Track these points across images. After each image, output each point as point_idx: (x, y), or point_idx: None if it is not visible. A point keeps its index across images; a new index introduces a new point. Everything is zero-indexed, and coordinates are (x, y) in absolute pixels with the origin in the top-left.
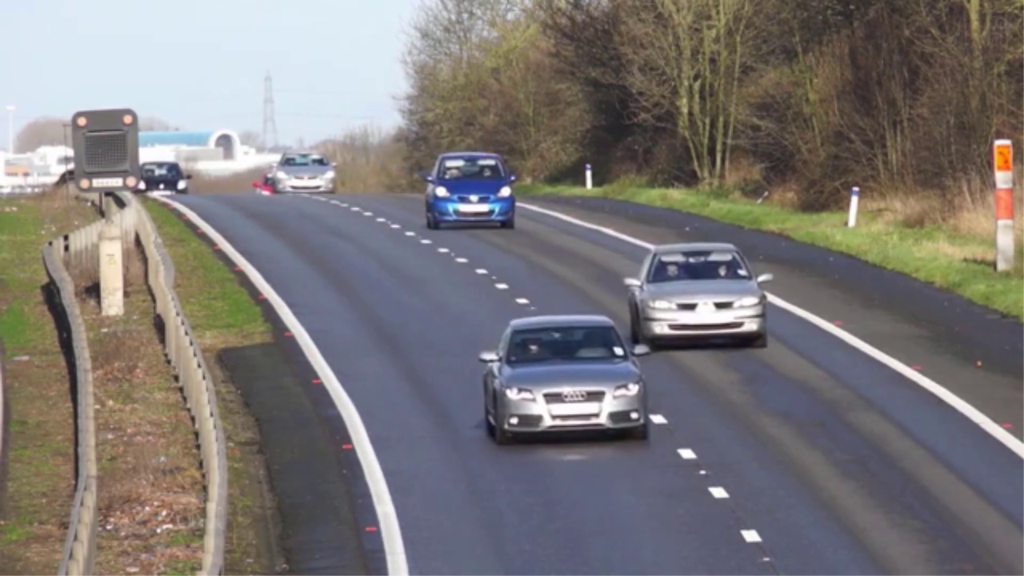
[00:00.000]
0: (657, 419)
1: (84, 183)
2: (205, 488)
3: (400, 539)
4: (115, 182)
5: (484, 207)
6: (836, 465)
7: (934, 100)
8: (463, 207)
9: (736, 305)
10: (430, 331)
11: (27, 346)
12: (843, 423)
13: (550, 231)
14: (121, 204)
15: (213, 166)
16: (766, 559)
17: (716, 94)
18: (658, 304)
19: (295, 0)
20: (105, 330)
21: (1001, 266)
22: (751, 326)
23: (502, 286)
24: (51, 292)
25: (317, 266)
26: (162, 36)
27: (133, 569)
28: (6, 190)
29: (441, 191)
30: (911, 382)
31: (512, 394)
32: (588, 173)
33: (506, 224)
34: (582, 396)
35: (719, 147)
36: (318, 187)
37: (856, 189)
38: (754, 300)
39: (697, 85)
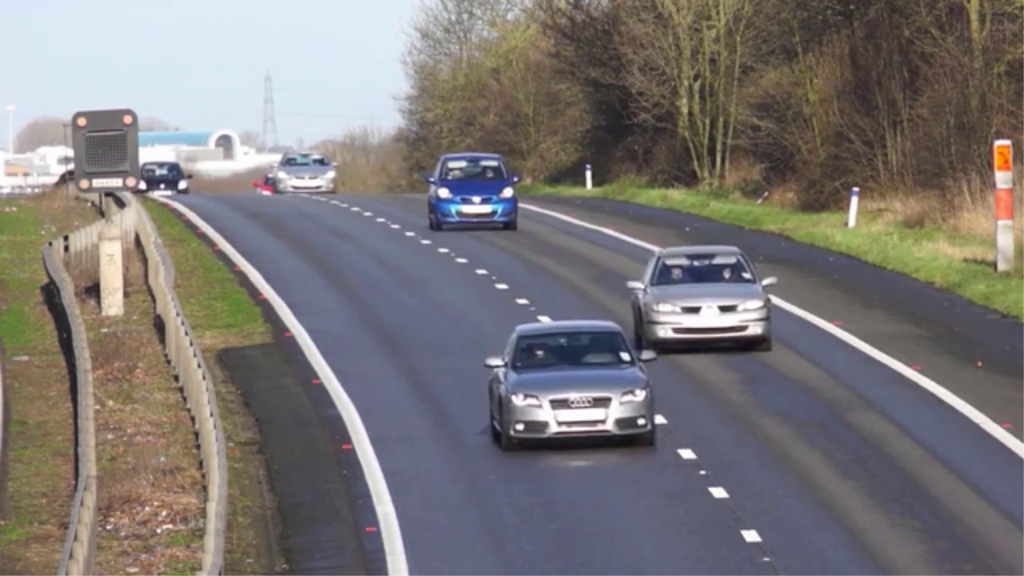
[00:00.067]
0: (657, 419)
1: (84, 183)
2: (205, 488)
3: (400, 539)
4: (115, 182)
5: (487, 208)
6: (836, 465)
7: (934, 100)
8: (466, 208)
9: (740, 309)
10: (430, 331)
11: (27, 346)
12: (843, 423)
13: (550, 231)
14: (121, 204)
15: (213, 166)
16: (766, 559)
17: (716, 94)
18: (662, 307)
19: (295, 0)
20: (105, 330)
21: (1001, 266)
22: (756, 330)
23: (502, 286)
24: (51, 292)
25: (317, 266)
26: (162, 36)
27: (133, 569)
28: (6, 190)
29: (443, 192)
30: (911, 382)
31: (518, 400)
32: (588, 173)
33: (509, 225)
34: (588, 402)
35: (719, 147)
36: (319, 187)
37: (856, 189)
38: (759, 303)
39: (697, 85)
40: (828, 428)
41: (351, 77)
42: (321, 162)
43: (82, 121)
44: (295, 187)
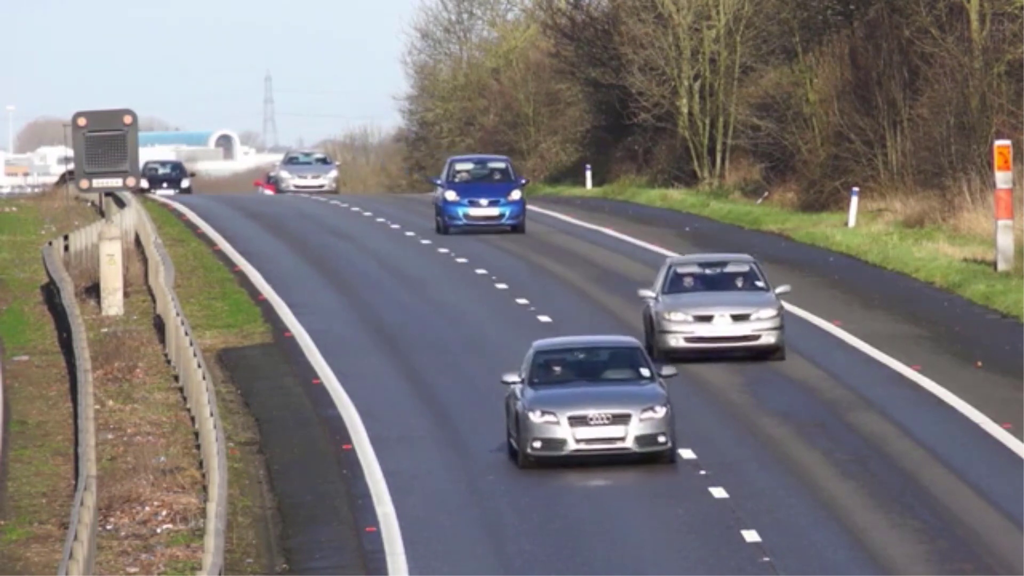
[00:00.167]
0: None
1: (84, 183)
2: (205, 488)
3: (400, 539)
4: (115, 182)
5: (494, 211)
6: (836, 465)
7: (934, 100)
8: (473, 211)
9: (753, 317)
10: (430, 331)
11: (27, 346)
12: (843, 423)
13: (550, 231)
14: (121, 204)
15: (213, 166)
16: (766, 559)
17: (716, 94)
18: (674, 316)
19: (295, 0)
20: (105, 330)
21: (1001, 266)
22: (769, 339)
23: (502, 286)
24: (51, 292)
25: (317, 266)
26: (162, 36)
27: (133, 569)
28: (6, 190)
29: (450, 195)
30: (911, 382)
31: (535, 417)
32: (588, 173)
33: (517, 228)
34: (607, 419)
35: (719, 147)
36: (321, 186)
37: (856, 189)
38: (772, 312)
39: (697, 85)
40: (828, 428)
41: (351, 77)
42: (324, 161)
43: (82, 121)
44: (297, 186)
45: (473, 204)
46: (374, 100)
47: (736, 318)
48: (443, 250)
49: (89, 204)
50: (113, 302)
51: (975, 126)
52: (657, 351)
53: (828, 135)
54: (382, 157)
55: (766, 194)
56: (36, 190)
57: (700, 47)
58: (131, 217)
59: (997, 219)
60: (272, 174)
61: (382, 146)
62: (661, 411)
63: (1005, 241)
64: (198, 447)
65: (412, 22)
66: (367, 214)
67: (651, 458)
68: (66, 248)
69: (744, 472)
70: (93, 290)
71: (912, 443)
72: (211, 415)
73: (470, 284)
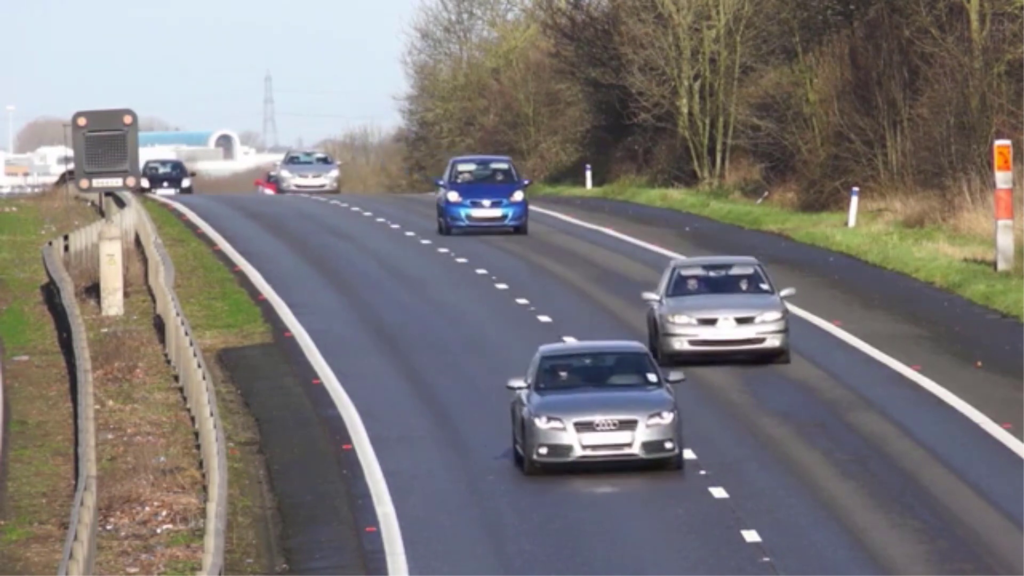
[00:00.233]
0: None
1: (84, 183)
2: (205, 488)
3: (400, 539)
4: (115, 182)
5: (497, 212)
6: (836, 465)
7: (934, 100)
8: (475, 212)
9: (758, 320)
10: (430, 331)
11: (27, 346)
12: (843, 423)
13: (550, 231)
14: (121, 204)
15: (213, 166)
16: (766, 559)
17: (716, 94)
18: (678, 319)
19: (295, 0)
20: (105, 330)
21: (1001, 266)
22: (773, 342)
23: (502, 286)
24: (51, 292)
25: (317, 266)
26: (162, 36)
27: (133, 569)
28: (6, 190)
29: (453, 196)
30: (911, 382)
31: (541, 423)
32: (588, 173)
33: (519, 229)
34: (614, 425)
35: (719, 147)
36: (323, 186)
37: (856, 189)
38: (777, 315)
39: (697, 85)
40: (828, 428)
41: (351, 77)
42: (325, 160)
43: (82, 121)
44: (298, 186)
45: (475, 205)
46: (374, 100)
47: (740, 321)
48: (443, 250)
49: (89, 204)
50: (113, 302)
51: (975, 126)
52: (661, 354)
53: (828, 135)
54: (382, 157)
55: (766, 194)
56: (36, 190)
57: (700, 47)
58: (131, 217)
59: (997, 219)
60: (273, 173)
61: (382, 146)
62: (668, 417)
63: (1005, 241)
64: (198, 447)
65: (412, 22)
66: (367, 214)
67: (658, 464)
68: (66, 248)
69: (744, 472)
70: (93, 290)
71: (912, 443)
72: (211, 415)
73: (470, 284)
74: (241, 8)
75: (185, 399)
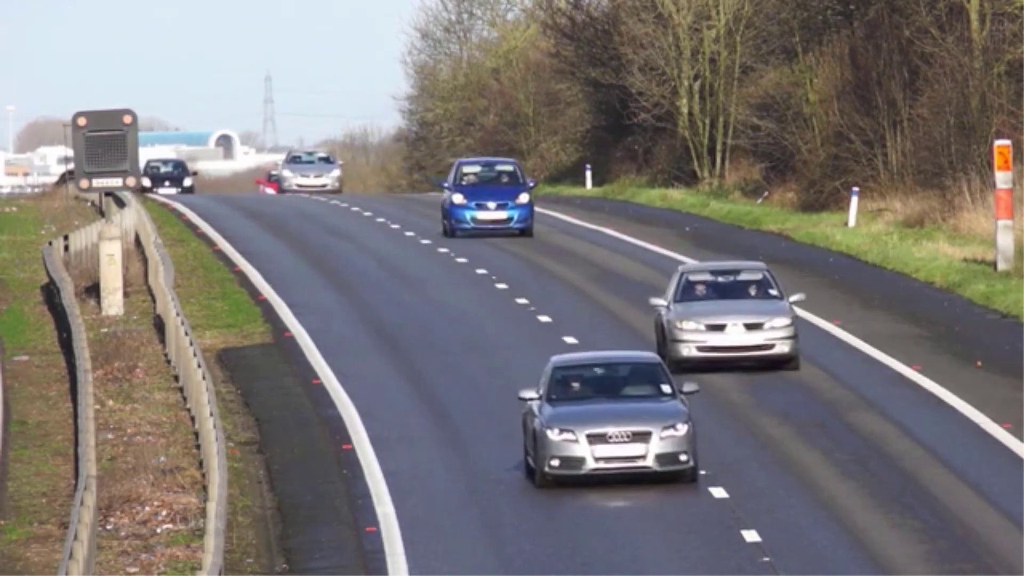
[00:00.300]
0: None
1: (84, 183)
2: (205, 488)
3: (400, 539)
4: (115, 182)
5: (502, 214)
6: (836, 465)
7: (934, 100)
8: (481, 214)
9: (767, 326)
10: (430, 331)
11: (27, 346)
12: (843, 423)
13: (550, 231)
14: (121, 204)
15: (213, 166)
16: (766, 559)
17: (716, 94)
18: (685, 325)
19: (295, 0)
20: (105, 330)
21: (1001, 266)
22: (783, 348)
23: (502, 286)
24: (51, 292)
25: (317, 266)
26: (162, 36)
27: (133, 569)
28: (6, 190)
29: (458, 198)
30: (911, 382)
31: (553, 435)
32: (588, 173)
33: (525, 232)
34: (627, 437)
35: (719, 147)
36: (324, 186)
37: (856, 189)
38: (786, 321)
39: (697, 85)
40: (828, 428)
41: (351, 77)
42: (327, 160)
43: (82, 121)
44: (300, 185)
45: (480, 207)
46: (374, 100)
47: (749, 327)
48: (443, 250)
49: (89, 204)
50: (113, 302)
51: (975, 126)
52: (669, 361)
53: (828, 135)
54: (382, 157)
55: (766, 194)
56: (36, 190)
57: (700, 47)
58: (131, 217)
59: (997, 219)
60: (274, 173)
61: (382, 146)
62: (683, 429)
63: (1005, 241)
64: (198, 447)
65: (412, 22)
66: (367, 214)
67: (672, 477)
68: (66, 248)
69: (744, 472)
70: (93, 290)
71: (912, 443)
72: (211, 415)
73: (470, 284)
74: (241, 8)
75: (185, 399)
